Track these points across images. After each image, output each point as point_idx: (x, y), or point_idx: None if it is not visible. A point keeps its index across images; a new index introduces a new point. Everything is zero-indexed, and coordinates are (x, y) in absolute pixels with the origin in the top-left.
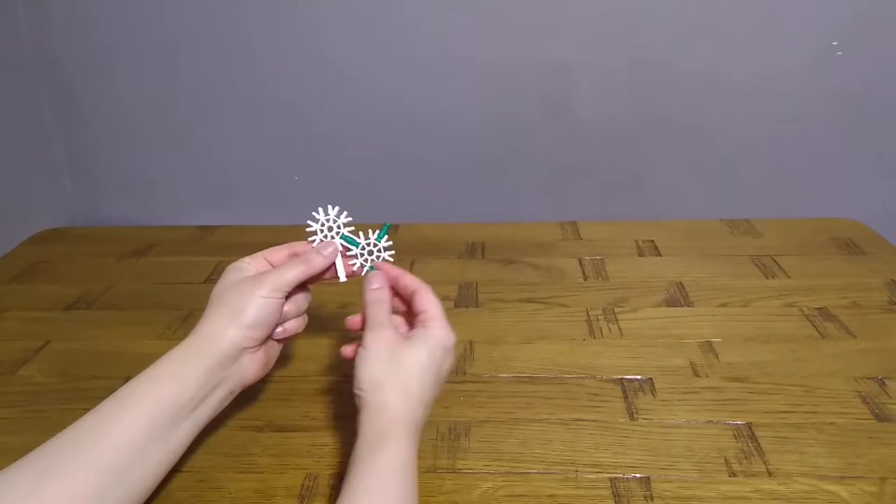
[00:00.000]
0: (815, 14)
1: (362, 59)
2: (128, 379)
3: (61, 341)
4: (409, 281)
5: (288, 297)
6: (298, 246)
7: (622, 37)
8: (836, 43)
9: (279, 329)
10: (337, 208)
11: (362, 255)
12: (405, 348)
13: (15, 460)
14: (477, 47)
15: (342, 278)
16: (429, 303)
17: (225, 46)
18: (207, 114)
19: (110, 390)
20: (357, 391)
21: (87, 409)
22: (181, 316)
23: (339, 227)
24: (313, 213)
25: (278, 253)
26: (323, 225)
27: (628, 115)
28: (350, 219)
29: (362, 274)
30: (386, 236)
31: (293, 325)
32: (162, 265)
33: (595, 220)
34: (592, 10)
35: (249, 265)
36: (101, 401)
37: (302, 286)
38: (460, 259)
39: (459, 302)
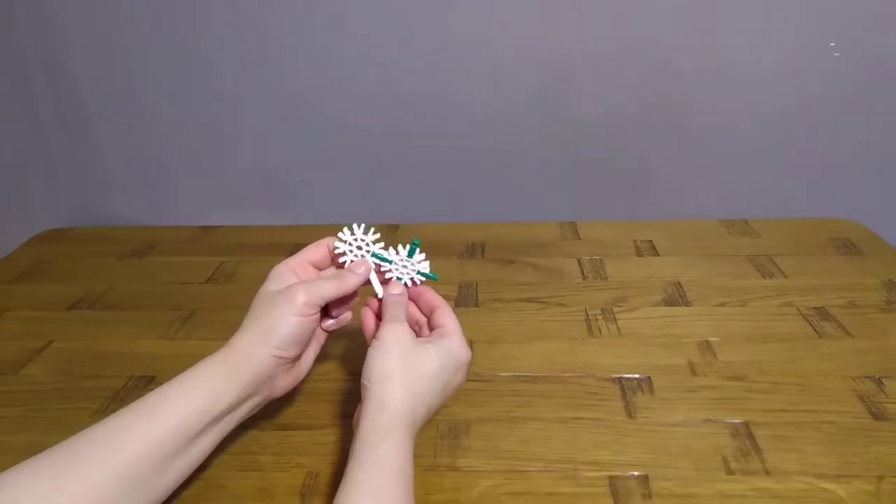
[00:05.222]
0: (815, 13)
1: (362, 60)
2: (129, 379)
3: (63, 341)
4: (431, 297)
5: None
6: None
7: (622, 38)
8: (833, 44)
9: (331, 322)
10: (363, 226)
11: (398, 269)
12: (419, 349)
13: (16, 460)
14: (477, 48)
15: (380, 294)
16: (448, 318)
17: (225, 47)
18: (208, 113)
19: (112, 390)
20: (364, 382)
21: (88, 409)
22: (182, 316)
23: (367, 244)
24: (339, 235)
25: (318, 251)
26: (351, 245)
27: (627, 115)
28: (378, 235)
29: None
30: (417, 250)
31: (338, 321)
32: (163, 265)
33: (594, 221)
34: (593, 13)
35: (290, 271)
36: (102, 400)
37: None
38: (460, 259)
39: (459, 302)
